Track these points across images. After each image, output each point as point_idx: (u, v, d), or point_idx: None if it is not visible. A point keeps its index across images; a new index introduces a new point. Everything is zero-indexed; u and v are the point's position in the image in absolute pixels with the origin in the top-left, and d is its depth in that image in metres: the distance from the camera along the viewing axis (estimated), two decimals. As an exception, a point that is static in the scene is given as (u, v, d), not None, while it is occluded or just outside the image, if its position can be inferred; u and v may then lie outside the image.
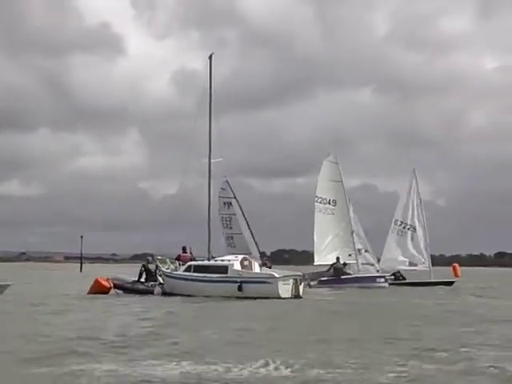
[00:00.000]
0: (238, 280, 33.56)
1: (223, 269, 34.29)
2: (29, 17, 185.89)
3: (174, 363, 12.96)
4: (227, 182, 44.30)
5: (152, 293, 34.40)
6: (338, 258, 45.97)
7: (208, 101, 38.50)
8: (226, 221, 43.59)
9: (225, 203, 44.10)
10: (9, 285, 33.63)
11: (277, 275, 33.91)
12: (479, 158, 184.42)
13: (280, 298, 32.72)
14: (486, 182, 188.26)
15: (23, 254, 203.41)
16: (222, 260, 35.31)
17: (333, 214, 47.73)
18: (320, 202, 48.05)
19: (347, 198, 48.30)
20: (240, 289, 33.31)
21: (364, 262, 47.67)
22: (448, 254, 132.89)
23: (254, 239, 43.65)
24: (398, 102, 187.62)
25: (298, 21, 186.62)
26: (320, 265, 47.40)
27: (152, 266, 35.81)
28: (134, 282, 35.66)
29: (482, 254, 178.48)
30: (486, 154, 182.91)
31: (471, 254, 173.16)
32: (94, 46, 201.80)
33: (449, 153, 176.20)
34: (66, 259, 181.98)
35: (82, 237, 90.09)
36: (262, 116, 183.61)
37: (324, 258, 46.94)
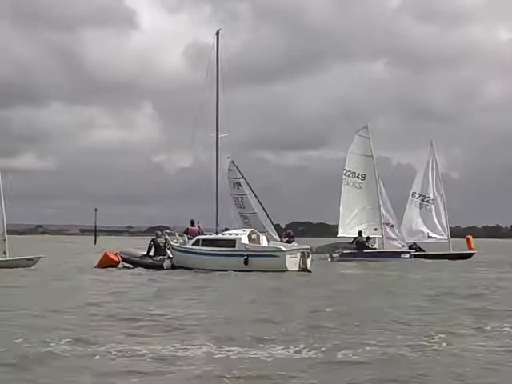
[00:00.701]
0: (245, 253, 33.84)
1: (231, 242, 34.56)
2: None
3: (196, 344, 12.79)
4: (233, 162, 44.03)
5: (161, 267, 34.71)
6: (360, 232, 46.25)
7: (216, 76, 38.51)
8: (238, 201, 43.41)
9: (234, 184, 43.86)
10: (40, 257, 34.94)
11: (284, 248, 34.17)
12: (493, 130, 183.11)
13: (287, 271, 32.99)
14: (501, 154, 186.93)
15: (39, 226, 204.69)
16: (230, 234, 35.51)
17: (361, 187, 47.94)
18: (348, 176, 48.21)
19: (377, 172, 48.47)
20: (246, 262, 33.60)
21: (391, 236, 47.71)
22: (464, 226, 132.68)
23: (268, 217, 43.48)
24: (411, 75, 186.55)
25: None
26: (343, 237, 47.75)
27: (161, 240, 36.11)
28: (142, 256, 35.99)
29: (497, 225, 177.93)
30: (499, 125, 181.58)
31: (487, 226, 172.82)
32: (107, 20, 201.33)
33: (463, 125, 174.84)
34: (82, 232, 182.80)
35: (96, 210, 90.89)
36: (274, 89, 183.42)
37: (349, 231, 47.22)
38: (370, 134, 48.99)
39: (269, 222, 43.38)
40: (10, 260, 33.86)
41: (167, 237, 36.30)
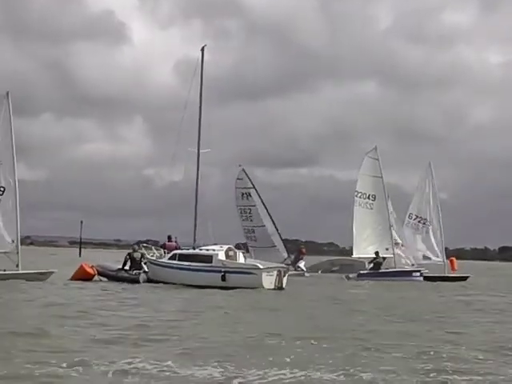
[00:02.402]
0: (222, 270, 33.64)
1: (208, 258, 34.37)
2: (31, 3, 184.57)
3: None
4: (244, 170, 42.37)
5: (136, 281, 34.47)
6: (377, 253, 46.71)
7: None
8: (246, 213, 41.49)
9: (243, 194, 41.97)
10: (52, 272, 34.10)
11: (261, 266, 33.97)
12: (482, 152, 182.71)
13: (263, 288, 32.80)
14: (490, 176, 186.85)
15: (28, 237, 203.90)
16: (207, 249, 35.27)
17: (372, 208, 48.54)
18: (360, 197, 48.69)
19: (386, 193, 48.96)
20: (223, 278, 33.41)
21: (401, 255, 48.08)
22: (452, 248, 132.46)
23: (277, 231, 41.85)
24: (400, 96, 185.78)
25: (300, 12, 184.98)
26: (359, 257, 48.01)
27: (137, 254, 35.92)
28: (118, 269, 35.76)
29: (486, 247, 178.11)
30: (488, 148, 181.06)
31: (475, 248, 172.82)
32: (98, 34, 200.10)
33: (452, 147, 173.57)
34: (71, 244, 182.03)
35: (81, 222, 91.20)
36: (265, 106, 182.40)
37: (363, 250, 47.63)
38: (379, 156, 49.74)
39: (277, 235, 41.78)
40: (24, 273, 32.82)
41: (144, 251, 36.16)
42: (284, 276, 33.97)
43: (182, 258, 34.98)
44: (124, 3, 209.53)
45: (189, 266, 34.38)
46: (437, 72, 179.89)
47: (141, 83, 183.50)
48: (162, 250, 36.35)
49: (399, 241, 48.43)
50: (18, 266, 33.08)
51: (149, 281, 34.61)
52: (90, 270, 35.34)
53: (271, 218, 42.39)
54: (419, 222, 50.74)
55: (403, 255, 48.10)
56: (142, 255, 35.83)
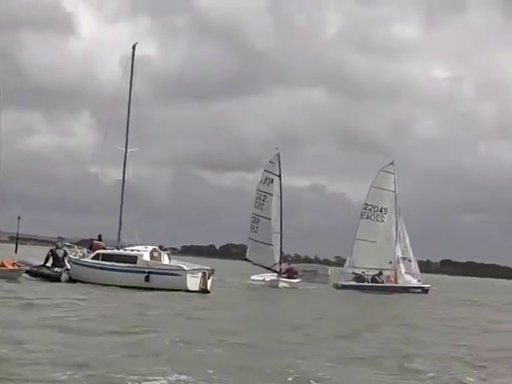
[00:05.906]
0: (146, 270, 33.14)
1: (132, 259, 33.97)
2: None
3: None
4: (278, 156, 41.43)
5: (57, 278, 33.79)
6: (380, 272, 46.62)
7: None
8: (260, 199, 40.83)
9: (266, 179, 41.16)
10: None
11: (186, 268, 33.59)
12: (426, 165, 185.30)
13: (188, 290, 32.39)
14: (433, 190, 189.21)
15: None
16: (132, 250, 34.69)
17: (382, 221, 48.25)
18: (370, 210, 48.34)
19: (398, 207, 48.74)
20: (147, 279, 32.97)
21: (406, 270, 48.11)
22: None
23: (281, 231, 41.05)
24: (347, 104, 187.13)
25: (251, 14, 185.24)
26: (355, 267, 47.43)
27: (60, 252, 35.45)
28: (40, 266, 35.11)
29: (428, 260, 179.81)
30: (432, 162, 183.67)
31: (418, 260, 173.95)
32: (45, 23, 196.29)
33: (396, 158, 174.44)
34: (11, 239, 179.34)
35: (19, 218, 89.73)
36: (213, 107, 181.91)
37: (362, 261, 47.20)
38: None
39: (279, 237, 40.57)
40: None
41: (66, 249, 35.51)
42: (209, 278, 33.59)
43: (106, 257, 34.46)
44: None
45: (112, 266, 33.85)
46: (383, 82, 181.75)
47: (88, 77, 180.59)
48: (86, 250, 35.66)
49: (407, 256, 48.27)
50: None
51: (71, 280, 33.91)
52: (10, 267, 34.43)
53: (281, 216, 41.11)
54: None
55: (409, 271, 48.10)
56: (65, 253, 35.20)
